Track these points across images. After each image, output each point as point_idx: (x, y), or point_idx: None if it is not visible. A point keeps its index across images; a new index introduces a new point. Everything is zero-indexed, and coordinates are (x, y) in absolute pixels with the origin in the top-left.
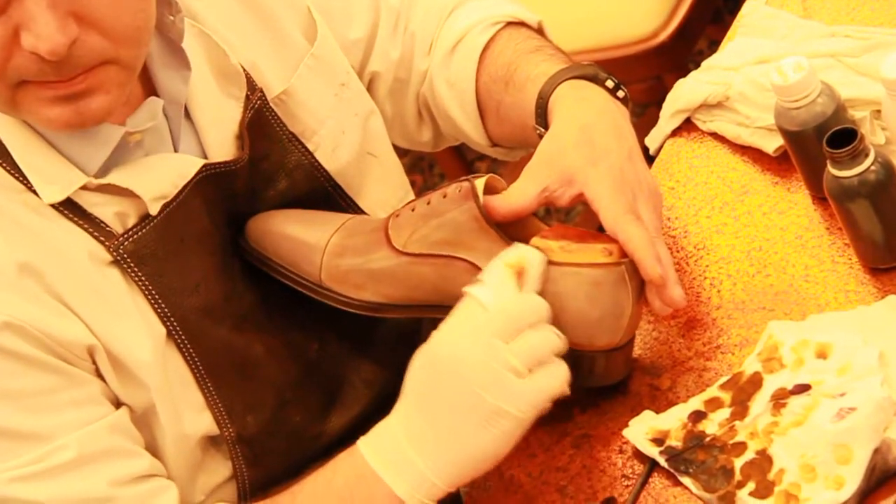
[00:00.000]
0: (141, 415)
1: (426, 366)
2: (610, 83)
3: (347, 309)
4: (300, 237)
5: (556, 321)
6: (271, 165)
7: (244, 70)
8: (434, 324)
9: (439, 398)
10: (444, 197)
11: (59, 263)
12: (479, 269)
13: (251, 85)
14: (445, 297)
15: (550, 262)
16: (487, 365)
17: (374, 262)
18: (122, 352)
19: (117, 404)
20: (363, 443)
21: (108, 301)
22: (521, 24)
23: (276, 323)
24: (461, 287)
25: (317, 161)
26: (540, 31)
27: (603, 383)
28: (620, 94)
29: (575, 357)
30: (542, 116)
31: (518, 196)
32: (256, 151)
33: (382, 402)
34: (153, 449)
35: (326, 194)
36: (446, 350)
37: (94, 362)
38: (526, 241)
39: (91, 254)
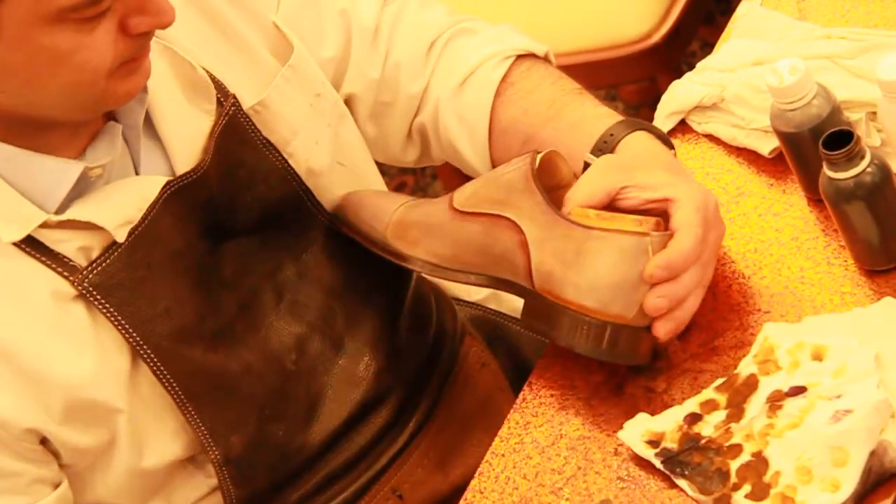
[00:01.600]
0: (90, 464)
1: None
2: (673, 153)
3: (401, 263)
4: (381, 200)
5: (576, 284)
6: (248, 172)
7: (215, 79)
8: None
9: None
10: (508, 164)
11: (14, 309)
12: (519, 229)
13: (223, 92)
14: (489, 260)
15: (583, 226)
16: None
17: (432, 216)
18: (82, 392)
19: (56, 483)
20: None
21: (70, 339)
22: (531, 55)
23: (253, 335)
24: (504, 246)
25: (290, 166)
26: (547, 60)
27: (625, 361)
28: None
29: (592, 325)
30: (604, 151)
31: (590, 194)
32: (233, 158)
33: (366, 409)
34: (104, 488)
35: (299, 199)
36: None
37: (36, 437)
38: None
39: (54, 292)
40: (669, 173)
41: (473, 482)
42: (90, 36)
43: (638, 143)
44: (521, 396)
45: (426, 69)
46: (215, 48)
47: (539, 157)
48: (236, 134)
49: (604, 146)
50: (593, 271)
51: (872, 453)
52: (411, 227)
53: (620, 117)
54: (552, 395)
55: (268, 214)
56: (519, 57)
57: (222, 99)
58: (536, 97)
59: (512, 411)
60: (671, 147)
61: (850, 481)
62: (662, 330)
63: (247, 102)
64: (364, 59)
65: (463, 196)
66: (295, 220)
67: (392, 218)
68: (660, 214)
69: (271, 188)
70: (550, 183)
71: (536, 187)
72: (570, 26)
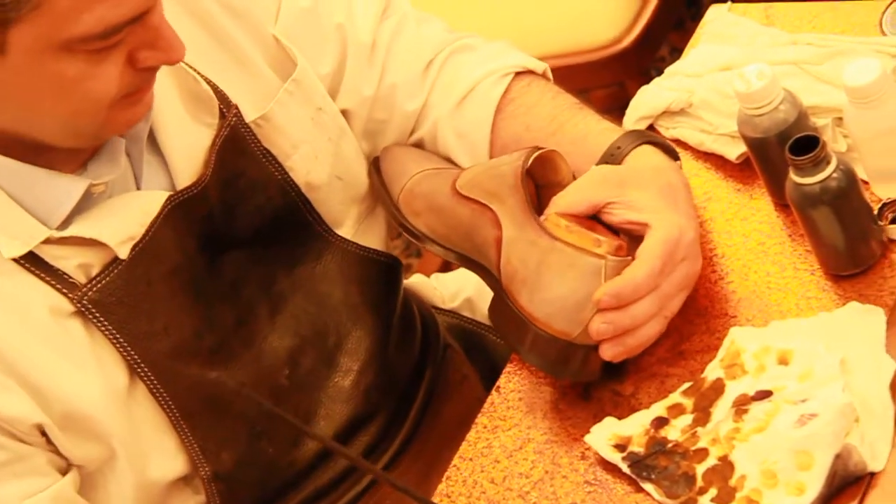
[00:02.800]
0: (98, 468)
1: None
2: (678, 163)
3: (401, 230)
4: (409, 161)
5: (530, 292)
6: (248, 182)
7: (217, 90)
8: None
9: None
10: (509, 154)
11: (13, 322)
12: (499, 224)
13: (226, 103)
14: (473, 246)
15: (550, 236)
16: None
17: (437, 193)
18: (78, 407)
19: (66, 469)
20: None
21: (67, 356)
22: (530, 72)
23: (248, 350)
24: (483, 239)
25: (290, 177)
26: (546, 76)
27: (569, 378)
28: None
29: (540, 337)
30: (611, 164)
31: (575, 202)
32: (233, 169)
33: (354, 426)
34: (108, 500)
35: (298, 211)
36: None
37: (42, 433)
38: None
39: (52, 308)
40: (660, 197)
41: (441, 486)
42: (98, 67)
43: (644, 157)
44: (489, 401)
45: (424, 87)
46: (217, 62)
47: (535, 154)
48: (237, 145)
49: (611, 159)
50: (546, 283)
51: (837, 457)
52: (417, 198)
53: (623, 130)
54: (520, 400)
55: (265, 225)
56: (518, 74)
57: (224, 110)
58: (537, 113)
59: (480, 415)
60: (676, 158)
61: (815, 485)
62: (608, 353)
63: (248, 116)
64: (359, 76)
65: (464, 179)
66: (292, 232)
67: (407, 184)
68: (639, 237)
69: (270, 199)
70: (549, 180)
71: (522, 186)
72: (539, 31)
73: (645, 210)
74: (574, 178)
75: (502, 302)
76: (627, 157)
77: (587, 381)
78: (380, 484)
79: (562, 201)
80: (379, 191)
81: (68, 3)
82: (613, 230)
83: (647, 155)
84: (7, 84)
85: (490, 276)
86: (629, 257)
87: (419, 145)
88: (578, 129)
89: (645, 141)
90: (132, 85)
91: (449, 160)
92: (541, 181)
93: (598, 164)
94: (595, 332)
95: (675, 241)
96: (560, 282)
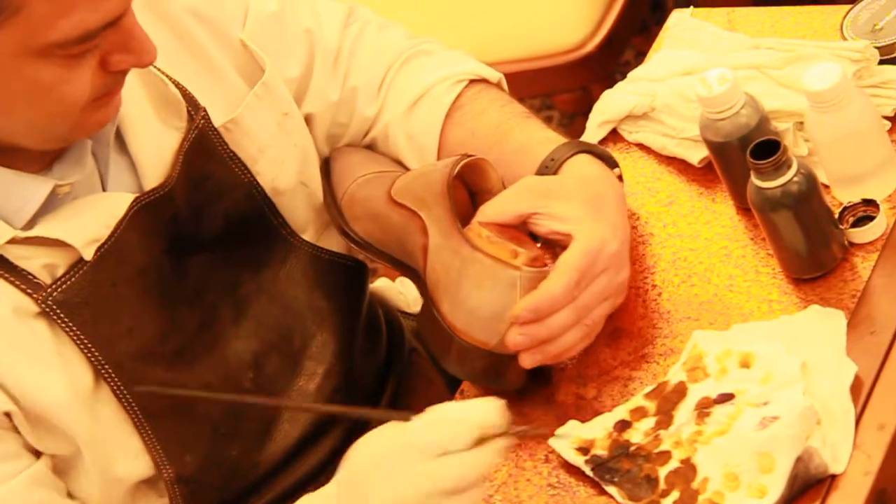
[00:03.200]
0: (65, 461)
1: (369, 486)
2: (617, 171)
3: (341, 234)
4: (354, 164)
5: (451, 301)
6: (214, 185)
7: (186, 93)
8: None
9: None
10: (440, 161)
11: None
12: (426, 232)
13: (194, 105)
14: (404, 252)
15: (471, 246)
16: None
17: (374, 199)
18: (43, 407)
19: (38, 454)
20: None
21: (31, 356)
22: (484, 80)
23: (211, 352)
24: (413, 245)
25: (256, 181)
26: (500, 86)
27: (489, 386)
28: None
29: (461, 346)
30: (546, 175)
31: (500, 212)
32: (200, 172)
33: (318, 429)
34: (79, 492)
35: (263, 215)
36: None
37: (11, 422)
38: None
39: (16, 308)
40: (585, 208)
41: None
42: (72, 71)
43: (576, 167)
44: None
45: (381, 92)
46: (186, 66)
47: (463, 162)
48: (204, 148)
49: (545, 170)
50: (465, 293)
51: (798, 459)
52: (356, 203)
53: (564, 140)
54: None
55: (231, 229)
56: (472, 81)
57: (193, 113)
58: (484, 120)
59: None
60: (615, 165)
61: (776, 487)
62: (528, 361)
63: (217, 120)
64: (325, 81)
65: (398, 185)
66: (258, 236)
67: (349, 187)
68: (566, 247)
69: (236, 202)
70: (482, 187)
71: (448, 194)
72: (504, 35)
73: (569, 221)
74: (502, 181)
75: (428, 309)
76: (563, 167)
77: (510, 389)
78: None
79: (488, 211)
80: (325, 194)
81: (46, 10)
82: (542, 240)
83: (580, 164)
84: None
85: (421, 282)
86: (546, 268)
87: (371, 146)
88: (521, 138)
89: (581, 150)
90: (104, 87)
91: (399, 162)
92: (474, 188)
93: (535, 174)
94: (512, 344)
95: (595, 253)
96: (477, 292)
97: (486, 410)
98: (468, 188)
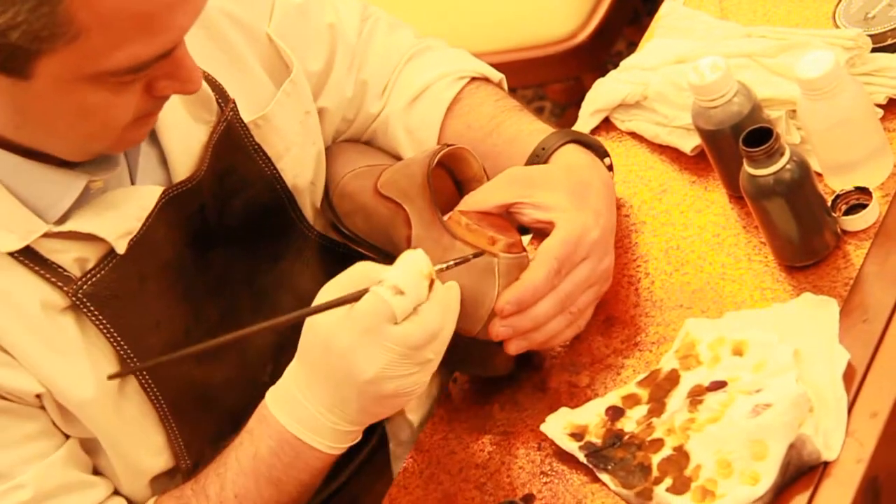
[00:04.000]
0: (92, 442)
1: (331, 359)
2: (607, 160)
3: (332, 229)
4: (346, 159)
5: None
6: (238, 177)
7: (216, 84)
8: None
9: (349, 388)
10: (420, 153)
11: (8, 317)
12: (410, 223)
13: (224, 97)
14: (392, 244)
15: (450, 234)
16: (405, 371)
17: (362, 193)
18: (68, 402)
19: (66, 435)
20: (276, 410)
21: (58, 351)
22: (485, 79)
23: (233, 346)
24: (399, 237)
25: (278, 173)
26: (500, 86)
27: (477, 373)
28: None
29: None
30: (537, 162)
31: (483, 201)
32: (226, 164)
33: None
34: (105, 472)
35: (283, 207)
36: (362, 361)
37: (42, 406)
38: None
39: (44, 303)
40: (568, 196)
41: (398, 478)
42: (119, 96)
43: (564, 157)
44: (445, 392)
45: (386, 91)
46: (217, 61)
47: (441, 152)
48: (232, 140)
49: (536, 160)
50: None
51: (791, 447)
52: (346, 198)
53: (552, 130)
54: (476, 391)
55: (251, 221)
56: (473, 79)
57: (222, 104)
58: (479, 113)
59: (437, 407)
60: (605, 155)
61: (769, 474)
62: (513, 347)
63: (246, 116)
64: (343, 77)
65: (384, 178)
66: (277, 228)
67: (340, 182)
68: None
69: (258, 195)
70: (466, 175)
71: (427, 185)
72: (496, 25)
73: (551, 209)
74: (484, 169)
75: None
76: (552, 157)
77: (498, 375)
78: (353, 481)
79: (471, 200)
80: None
81: (103, 40)
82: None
83: (567, 154)
84: (27, 107)
85: None
86: (524, 254)
87: (371, 141)
88: (512, 129)
89: (571, 140)
90: (146, 110)
91: (396, 156)
92: (459, 177)
93: (526, 164)
94: (494, 334)
95: (576, 241)
96: (458, 280)
97: (423, 260)
98: (453, 177)
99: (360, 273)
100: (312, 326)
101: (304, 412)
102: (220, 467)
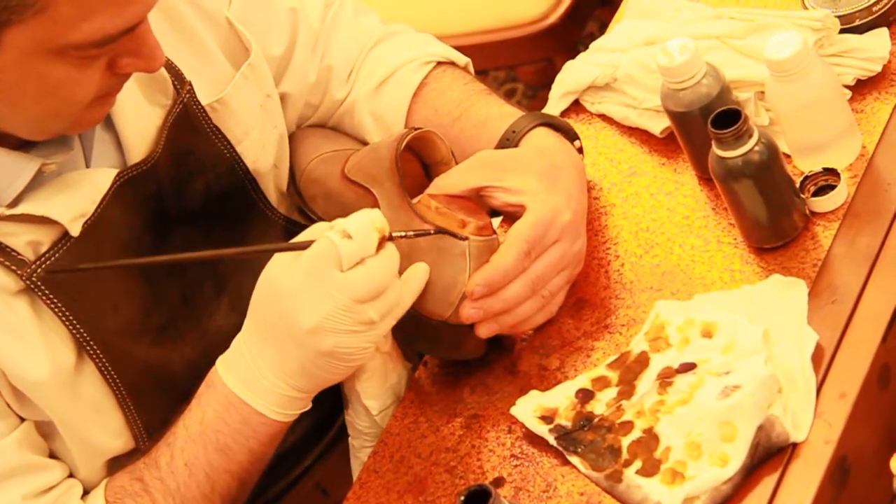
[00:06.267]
0: (48, 425)
1: (277, 305)
2: (577, 143)
3: (300, 213)
4: (311, 144)
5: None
6: (197, 159)
7: (172, 67)
8: None
9: (290, 340)
10: (387, 137)
11: None
12: (379, 207)
13: (180, 79)
14: None
15: (419, 218)
16: (346, 327)
17: (329, 178)
18: (23, 384)
19: (21, 418)
20: (224, 372)
21: (12, 333)
22: (451, 63)
23: (194, 328)
24: None
25: (238, 156)
26: (467, 70)
27: (447, 357)
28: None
29: (416, 320)
30: (508, 146)
31: (452, 184)
32: (183, 146)
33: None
34: (62, 456)
35: (245, 190)
36: (304, 307)
37: None
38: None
39: None
40: (539, 179)
41: (368, 462)
42: (83, 72)
43: (534, 140)
44: (415, 375)
45: (352, 77)
46: (174, 44)
47: (409, 137)
48: (189, 122)
49: (506, 143)
50: (416, 265)
51: (760, 428)
52: (313, 183)
53: (521, 113)
54: (447, 375)
55: (213, 204)
56: (439, 63)
57: (178, 86)
58: (447, 97)
59: (407, 390)
60: (575, 137)
61: (738, 456)
62: (483, 331)
63: (204, 99)
64: (306, 61)
65: (351, 163)
66: (239, 211)
67: (307, 168)
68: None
69: (218, 177)
70: (435, 159)
71: (396, 169)
72: (467, 7)
73: (522, 193)
74: (452, 152)
75: None
76: (523, 140)
77: (470, 358)
78: (318, 464)
79: (441, 183)
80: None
81: (70, 11)
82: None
83: (538, 137)
84: None
85: None
86: (494, 236)
87: (337, 126)
88: (481, 113)
89: (541, 123)
90: (107, 88)
91: (362, 141)
92: (427, 160)
93: (496, 147)
94: (466, 317)
95: (546, 223)
96: (429, 264)
97: (376, 215)
98: (421, 161)
99: (316, 228)
100: (263, 275)
101: (250, 373)
102: (170, 436)
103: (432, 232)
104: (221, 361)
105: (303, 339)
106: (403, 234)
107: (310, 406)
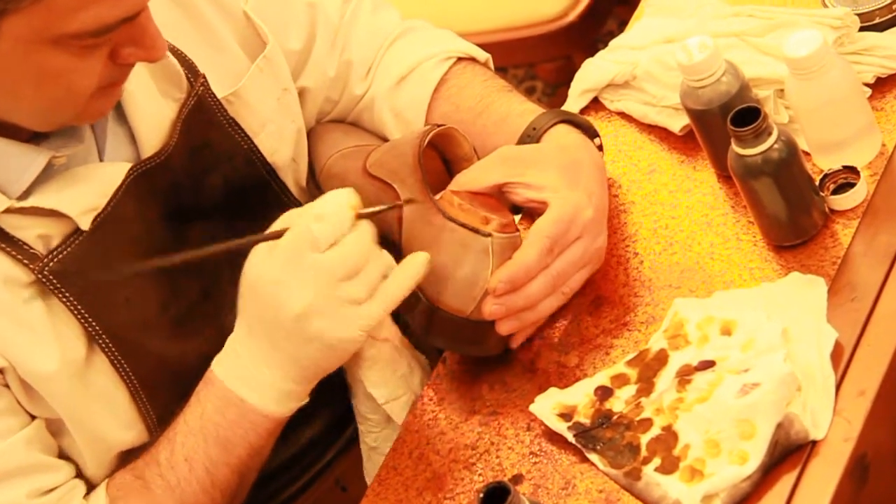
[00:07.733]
0: (57, 423)
1: (261, 298)
2: (597, 140)
3: None
4: (330, 140)
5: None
6: (212, 152)
7: (186, 59)
8: None
9: (279, 329)
10: (409, 133)
11: None
12: (401, 204)
13: (193, 72)
14: (381, 224)
15: (443, 214)
16: (332, 308)
17: (349, 172)
18: (32, 377)
19: (31, 416)
20: (219, 370)
21: (22, 326)
22: (471, 59)
23: (212, 323)
24: (389, 217)
25: (255, 146)
26: (487, 66)
27: (466, 353)
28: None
29: (437, 315)
30: (529, 142)
31: (474, 180)
32: (198, 139)
33: (313, 405)
34: (71, 454)
35: (265, 182)
36: (288, 294)
37: (6, 384)
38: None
39: (7, 278)
40: (561, 176)
41: (387, 458)
42: (83, 61)
43: (555, 137)
44: (434, 372)
45: (371, 73)
46: (188, 36)
47: (432, 133)
48: (204, 115)
49: (527, 140)
50: (439, 261)
51: (779, 426)
52: (333, 178)
53: (542, 110)
54: (465, 372)
55: (232, 196)
56: (459, 59)
57: (192, 79)
58: (467, 94)
59: (426, 388)
60: (595, 135)
61: (757, 454)
62: (504, 328)
63: (219, 92)
64: (325, 56)
65: (373, 158)
66: (259, 204)
67: (326, 163)
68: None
69: (236, 169)
70: (456, 155)
71: (419, 165)
72: (487, 4)
73: (544, 189)
74: (475, 149)
75: None
76: (544, 137)
77: (491, 354)
78: (338, 461)
79: (462, 179)
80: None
81: (67, 1)
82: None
83: (559, 134)
84: None
85: (398, 254)
86: (517, 233)
87: (356, 122)
88: (502, 109)
89: (562, 120)
90: (111, 78)
91: (381, 137)
92: (449, 156)
93: (517, 143)
94: (488, 313)
95: (568, 220)
96: (451, 260)
97: (347, 193)
98: (442, 157)
99: (288, 216)
100: (244, 270)
101: (245, 370)
102: (170, 432)
103: (402, 203)
104: (217, 361)
105: (291, 328)
106: (375, 209)
107: (307, 400)
